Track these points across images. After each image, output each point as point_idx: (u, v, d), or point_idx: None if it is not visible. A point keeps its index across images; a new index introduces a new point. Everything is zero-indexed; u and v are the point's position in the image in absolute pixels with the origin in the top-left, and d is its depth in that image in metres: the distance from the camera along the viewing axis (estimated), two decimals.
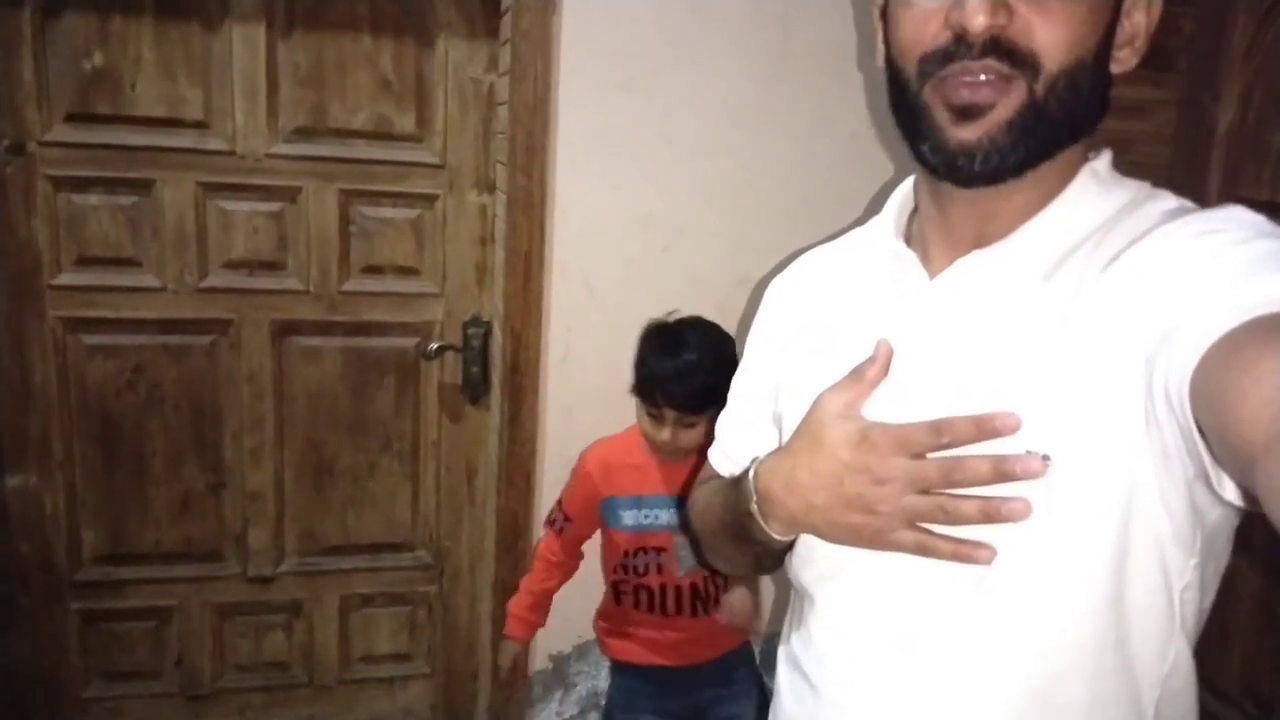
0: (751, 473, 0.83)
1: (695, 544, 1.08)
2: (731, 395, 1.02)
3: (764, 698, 1.91)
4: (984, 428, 0.66)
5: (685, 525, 1.38)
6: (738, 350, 1.82)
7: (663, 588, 1.81)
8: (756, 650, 2.00)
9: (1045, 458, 0.65)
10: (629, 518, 1.81)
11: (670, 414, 1.71)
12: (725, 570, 1.07)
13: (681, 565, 1.79)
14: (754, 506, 0.82)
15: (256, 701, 2.29)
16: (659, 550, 1.80)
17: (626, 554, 1.81)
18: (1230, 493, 0.63)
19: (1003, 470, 0.65)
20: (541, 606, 1.91)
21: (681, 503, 1.74)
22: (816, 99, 1.98)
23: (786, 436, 0.82)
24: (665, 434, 1.73)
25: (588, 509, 1.84)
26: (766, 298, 0.99)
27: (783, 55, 1.95)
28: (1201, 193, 1.83)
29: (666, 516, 1.78)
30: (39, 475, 2.04)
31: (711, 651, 1.84)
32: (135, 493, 2.11)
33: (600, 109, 1.89)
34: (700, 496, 1.02)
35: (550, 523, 1.89)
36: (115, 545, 2.13)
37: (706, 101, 1.93)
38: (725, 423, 1.03)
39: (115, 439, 2.08)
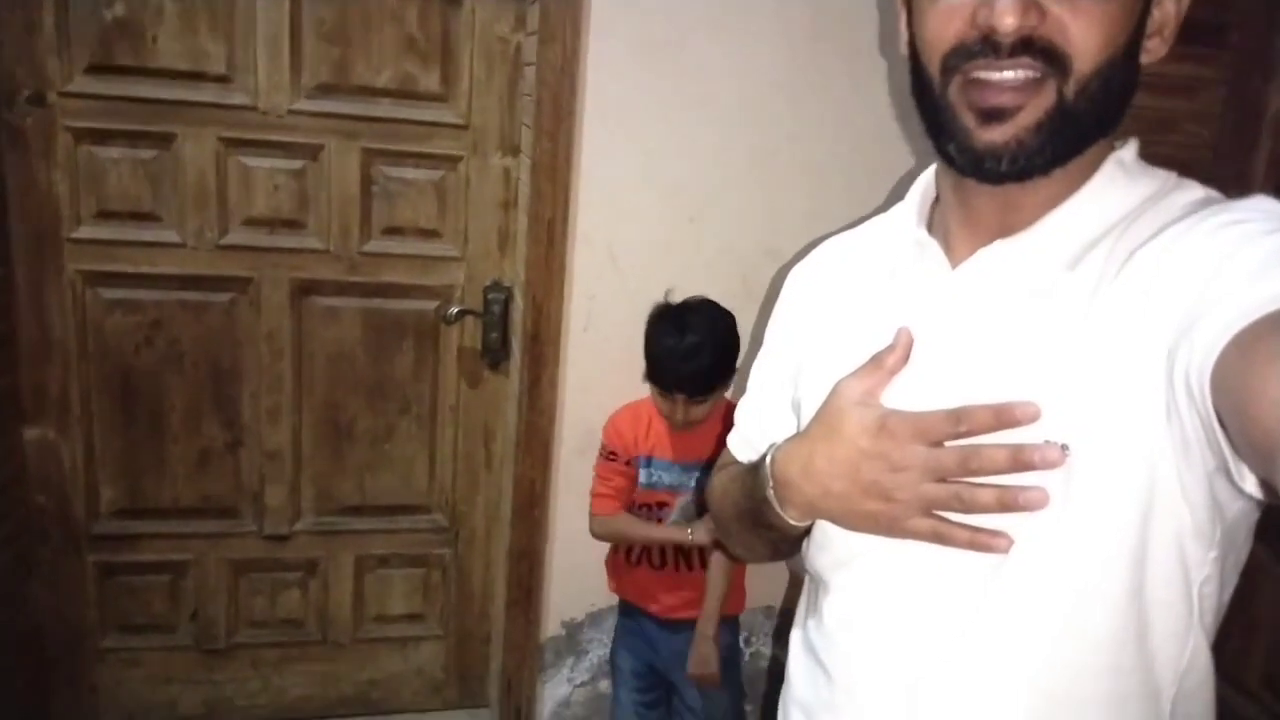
0: (769, 458, 0.83)
1: (716, 529, 1.08)
2: (751, 382, 1.01)
3: (737, 692, 2.02)
4: (1003, 417, 0.66)
5: (704, 509, 1.40)
6: (746, 327, 1.87)
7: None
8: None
9: (1064, 448, 0.65)
10: (641, 475, 1.91)
11: (679, 395, 1.80)
12: (744, 557, 1.06)
13: (672, 519, 1.91)
14: (771, 492, 0.81)
15: (270, 657, 2.31)
16: (661, 505, 1.91)
17: (633, 506, 1.93)
18: (1250, 485, 0.62)
19: (1021, 459, 0.65)
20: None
21: (689, 466, 1.88)
22: (851, 69, 1.93)
23: (805, 422, 0.82)
24: (677, 413, 1.82)
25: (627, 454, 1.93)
26: (787, 285, 0.98)
27: (818, 23, 1.90)
28: (1246, 177, 1.77)
29: (669, 478, 1.89)
30: (57, 429, 2.04)
31: (690, 612, 1.91)
32: (153, 448, 2.11)
33: (630, 73, 1.85)
34: (719, 482, 1.02)
35: (605, 457, 1.95)
36: (133, 499, 2.13)
37: (739, 69, 1.89)
38: (745, 409, 1.02)
39: (133, 394, 2.07)
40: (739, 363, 1.85)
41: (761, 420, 0.98)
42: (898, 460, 0.70)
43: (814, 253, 0.97)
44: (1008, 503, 0.67)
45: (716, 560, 1.88)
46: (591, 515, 1.97)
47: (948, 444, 0.69)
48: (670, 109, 1.88)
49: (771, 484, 0.81)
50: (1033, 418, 0.66)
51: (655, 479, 1.90)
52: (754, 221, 1.98)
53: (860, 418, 0.72)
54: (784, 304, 0.98)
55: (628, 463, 1.91)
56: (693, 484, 1.88)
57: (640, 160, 1.90)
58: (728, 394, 1.87)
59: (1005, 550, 0.70)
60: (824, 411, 0.77)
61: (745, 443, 1.00)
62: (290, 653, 2.32)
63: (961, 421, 0.67)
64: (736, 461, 1.00)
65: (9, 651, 1.98)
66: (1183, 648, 0.71)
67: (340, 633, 2.33)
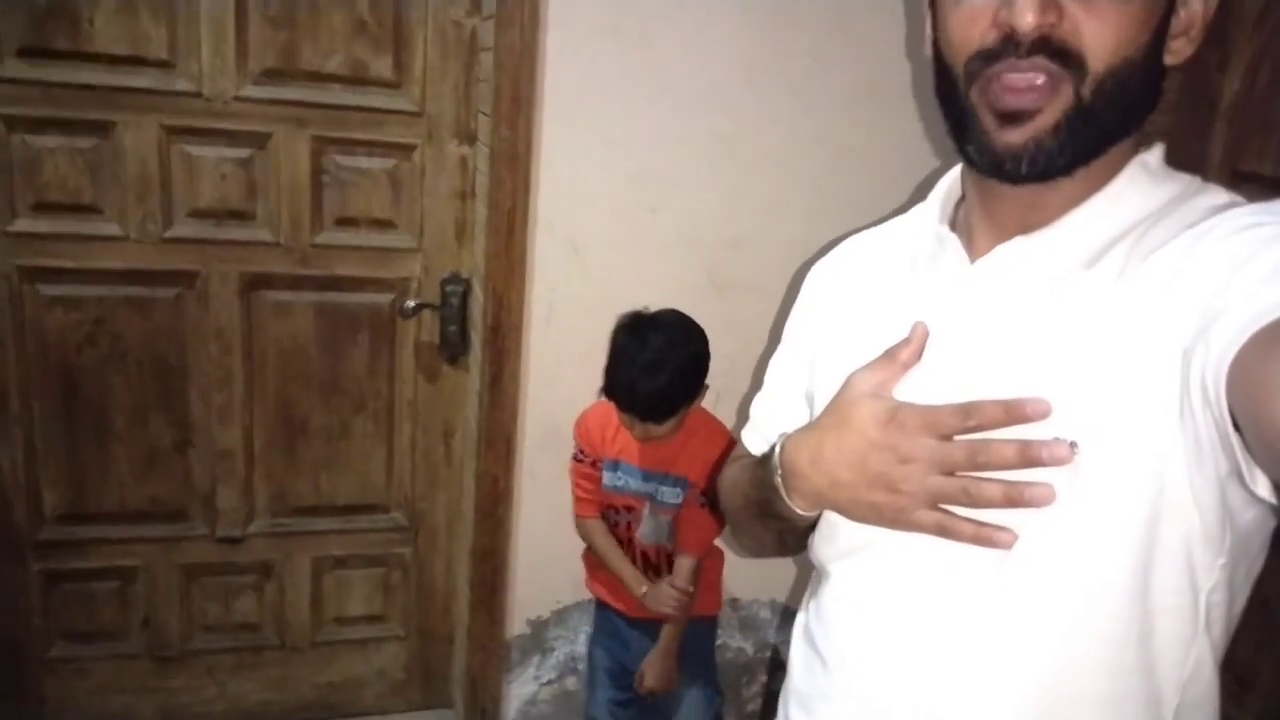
0: (779, 447, 0.83)
1: (725, 521, 1.12)
2: (767, 376, 1.02)
3: (714, 693, 1.98)
4: (1013, 412, 0.67)
5: (714, 503, 1.47)
6: (711, 318, 1.83)
7: (630, 542, 1.89)
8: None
9: (1073, 445, 0.65)
10: (607, 478, 1.88)
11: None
12: (751, 551, 1.07)
13: (642, 533, 1.87)
14: (779, 480, 0.82)
15: (226, 663, 2.24)
16: (629, 509, 1.88)
17: (602, 508, 1.92)
18: (1263, 489, 0.62)
19: (1029, 455, 0.65)
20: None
21: (653, 476, 1.83)
22: (814, 53, 1.91)
23: (817, 414, 0.83)
24: (636, 430, 1.80)
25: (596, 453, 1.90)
26: (807, 281, 0.99)
27: (780, 9, 1.87)
28: (1201, 164, 1.78)
29: (635, 484, 1.85)
30: None
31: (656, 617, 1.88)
32: (97, 450, 2.03)
33: (590, 58, 1.81)
34: (729, 474, 1.03)
35: (575, 457, 1.93)
36: (77, 504, 2.05)
37: (701, 53, 1.86)
38: (760, 402, 1.03)
39: (76, 394, 1.99)
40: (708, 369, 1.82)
41: (776, 414, 0.98)
42: (906, 452, 0.70)
43: (835, 250, 0.98)
44: (1015, 498, 0.67)
45: (680, 567, 1.84)
46: (575, 515, 1.95)
47: (957, 438, 0.69)
48: (632, 96, 1.85)
49: (780, 472, 0.82)
50: (1043, 414, 0.66)
51: (621, 483, 1.87)
52: (717, 210, 1.95)
53: (871, 409, 0.73)
54: (803, 299, 0.99)
55: (593, 464, 1.88)
56: (661, 494, 1.84)
57: (602, 149, 1.86)
58: (705, 402, 1.84)
59: (1010, 546, 0.70)
60: (835, 402, 0.77)
61: (759, 436, 1.01)
62: (246, 658, 2.25)
63: (971, 415, 0.68)
64: (749, 454, 1.01)
65: None
66: (1186, 656, 0.71)
67: (298, 636, 2.27)
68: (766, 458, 0.86)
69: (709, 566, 1.92)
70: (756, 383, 1.04)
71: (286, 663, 2.28)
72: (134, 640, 2.16)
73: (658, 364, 1.70)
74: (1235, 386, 0.58)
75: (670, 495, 1.84)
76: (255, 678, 2.26)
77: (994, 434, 0.68)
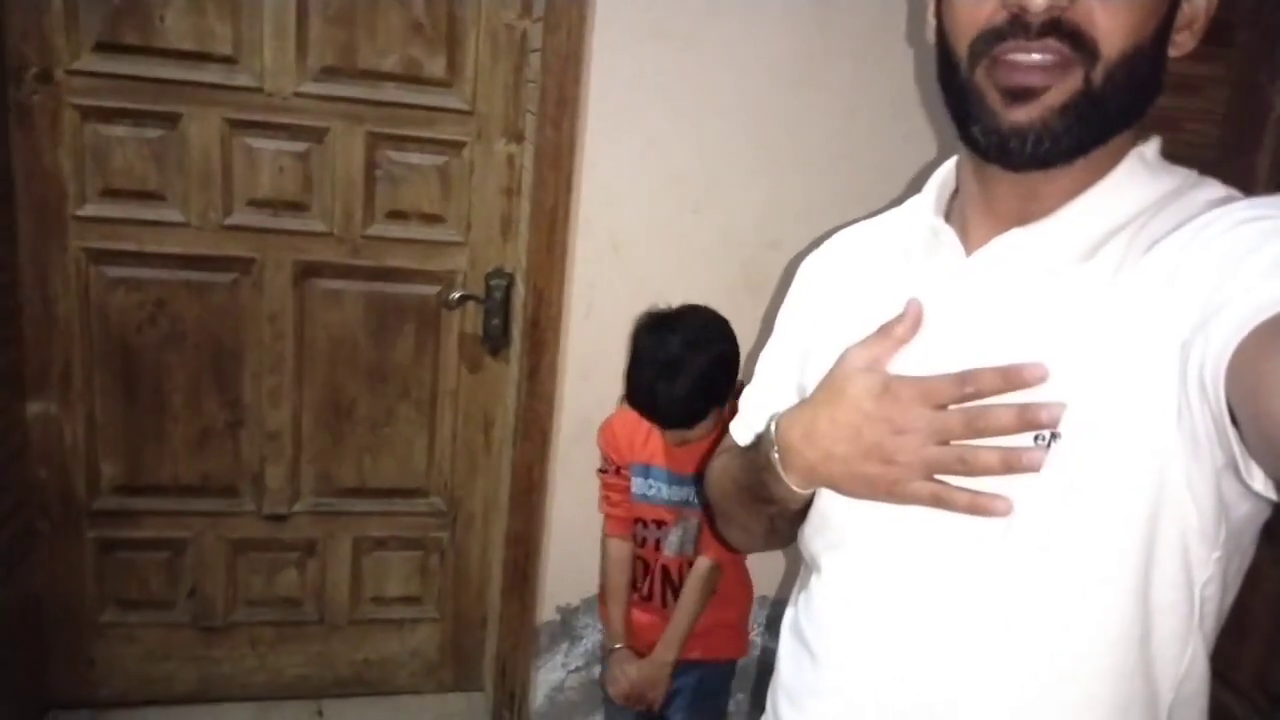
0: (772, 425, 0.83)
1: (711, 515, 1.08)
2: (759, 369, 1.01)
3: None
4: (1010, 377, 0.66)
5: (701, 495, 1.36)
6: (746, 318, 1.77)
7: (647, 567, 1.84)
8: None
9: (1064, 408, 0.66)
10: (637, 485, 1.82)
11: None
12: (739, 543, 1.06)
13: (668, 543, 1.80)
14: (774, 455, 0.81)
15: (267, 636, 2.32)
16: (658, 524, 1.81)
17: (631, 524, 1.85)
18: (1259, 483, 0.62)
19: (1027, 417, 0.65)
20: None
21: (686, 480, 1.75)
22: (858, 57, 1.93)
23: None
24: (669, 435, 1.74)
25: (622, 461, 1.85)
26: (799, 274, 0.98)
27: (823, 14, 1.90)
28: (1250, 177, 1.76)
29: (668, 492, 1.77)
30: (59, 404, 2.06)
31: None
32: (154, 426, 2.12)
33: (634, 61, 1.85)
34: (717, 464, 1.02)
35: (599, 470, 1.90)
36: (133, 476, 2.14)
37: (744, 57, 1.89)
38: (750, 396, 1.01)
39: (135, 372, 2.08)
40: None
41: (766, 407, 0.96)
42: (901, 423, 0.70)
43: (827, 242, 0.97)
44: (1012, 463, 0.67)
45: (693, 579, 1.75)
46: (603, 532, 1.92)
47: (951, 408, 0.69)
48: (674, 98, 1.88)
49: (775, 448, 0.81)
50: (1040, 378, 0.66)
51: (653, 491, 1.79)
52: (756, 212, 1.98)
53: (864, 381, 0.72)
54: (795, 292, 0.98)
55: (618, 471, 1.84)
56: (693, 498, 1.74)
57: (643, 149, 1.90)
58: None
59: (1005, 513, 0.69)
60: (829, 377, 0.77)
61: (749, 429, 0.99)
62: (287, 632, 2.33)
63: (968, 383, 0.68)
64: (739, 446, 1.00)
65: (9, 624, 1.99)
66: (1182, 652, 0.71)
67: (337, 613, 2.34)
68: (759, 439, 0.86)
69: (736, 606, 1.85)
70: None
71: (325, 638, 2.35)
72: (180, 609, 2.25)
73: (677, 368, 1.60)
74: (1234, 381, 0.57)
75: (703, 498, 1.76)
76: (295, 651, 2.34)
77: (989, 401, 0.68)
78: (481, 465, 2.32)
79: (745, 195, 1.96)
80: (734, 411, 1.03)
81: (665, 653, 1.77)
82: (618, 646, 1.81)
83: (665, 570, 1.82)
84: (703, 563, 1.76)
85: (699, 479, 1.70)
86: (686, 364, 1.61)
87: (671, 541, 1.79)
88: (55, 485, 2.10)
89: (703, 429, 1.70)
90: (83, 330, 2.03)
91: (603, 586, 1.93)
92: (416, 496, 2.32)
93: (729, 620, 1.85)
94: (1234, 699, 1.70)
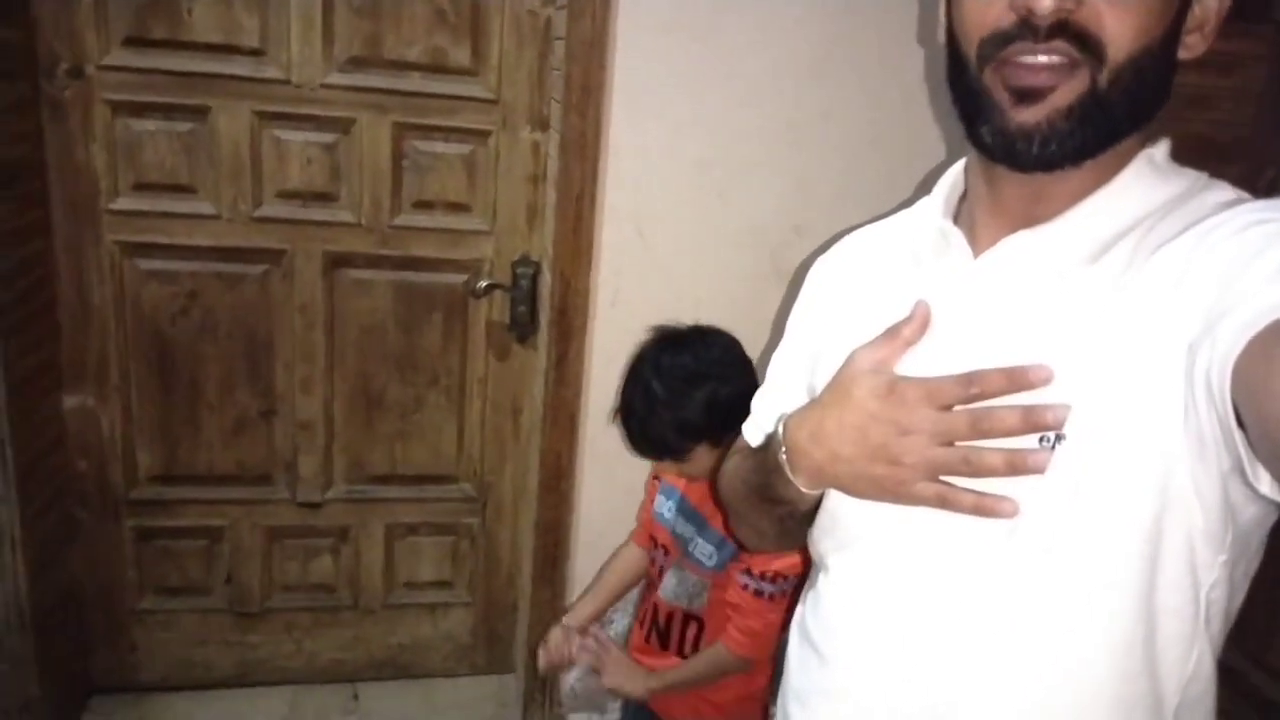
0: (781, 426, 0.83)
1: (725, 516, 1.09)
2: (770, 370, 1.02)
3: None
4: (1015, 379, 0.67)
5: (715, 496, 1.32)
6: (773, 305, 1.75)
7: (650, 591, 1.73)
8: None
9: (1069, 410, 0.66)
10: (657, 501, 1.72)
11: None
12: (752, 543, 1.07)
13: (663, 586, 1.65)
14: (783, 456, 0.82)
15: (303, 621, 2.36)
16: (665, 551, 1.68)
17: (649, 537, 1.76)
18: (1266, 485, 0.62)
19: (1032, 419, 0.65)
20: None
21: (695, 517, 1.61)
22: (882, 44, 1.91)
23: None
24: (663, 466, 1.61)
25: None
26: (810, 276, 0.99)
27: (850, 0, 1.88)
28: (1277, 175, 1.74)
29: (669, 517, 1.65)
30: (96, 396, 2.09)
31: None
32: (189, 416, 2.15)
33: (659, 48, 1.84)
34: (730, 464, 1.03)
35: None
36: (169, 466, 2.18)
37: (769, 44, 1.88)
38: (762, 398, 1.02)
39: (170, 363, 2.11)
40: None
41: (777, 408, 0.97)
42: (907, 424, 0.70)
43: (837, 245, 0.97)
44: (1016, 464, 0.67)
45: (709, 654, 1.57)
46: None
47: (957, 409, 0.69)
48: (699, 85, 1.88)
49: (783, 449, 0.82)
50: (1045, 380, 0.66)
51: (665, 512, 1.67)
52: (782, 199, 1.97)
53: (871, 383, 0.73)
54: (805, 295, 0.99)
55: (655, 478, 1.76)
56: (695, 546, 1.58)
57: (669, 136, 1.90)
58: None
59: (1011, 515, 0.69)
60: (836, 378, 0.77)
61: (759, 430, 1.00)
62: (322, 617, 2.37)
63: (974, 384, 0.68)
64: (749, 447, 1.00)
65: (52, 611, 2.04)
66: (1188, 655, 0.71)
67: (371, 598, 2.38)
68: (768, 439, 0.86)
69: (736, 681, 1.60)
70: None
71: (359, 623, 2.39)
72: (217, 596, 2.29)
73: (655, 395, 1.48)
74: (1240, 384, 0.58)
75: (704, 552, 1.56)
76: (329, 636, 2.38)
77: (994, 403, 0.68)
78: (510, 452, 2.34)
79: (771, 182, 1.96)
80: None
81: (651, 680, 1.62)
82: (579, 642, 1.69)
83: (655, 608, 1.67)
84: (721, 649, 1.55)
85: (711, 532, 1.57)
86: (674, 396, 1.48)
87: (668, 583, 1.64)
88: (93, 476, 2.14)
89: (696, 465, 1.53)
90: (118, 323, 2.06)
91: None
92: (447, 483, 2.34)
93: (754, 693, 1.64)
94: (1267, 681, 1.69)
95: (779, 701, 0.95)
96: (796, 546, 0.97)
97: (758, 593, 1.50)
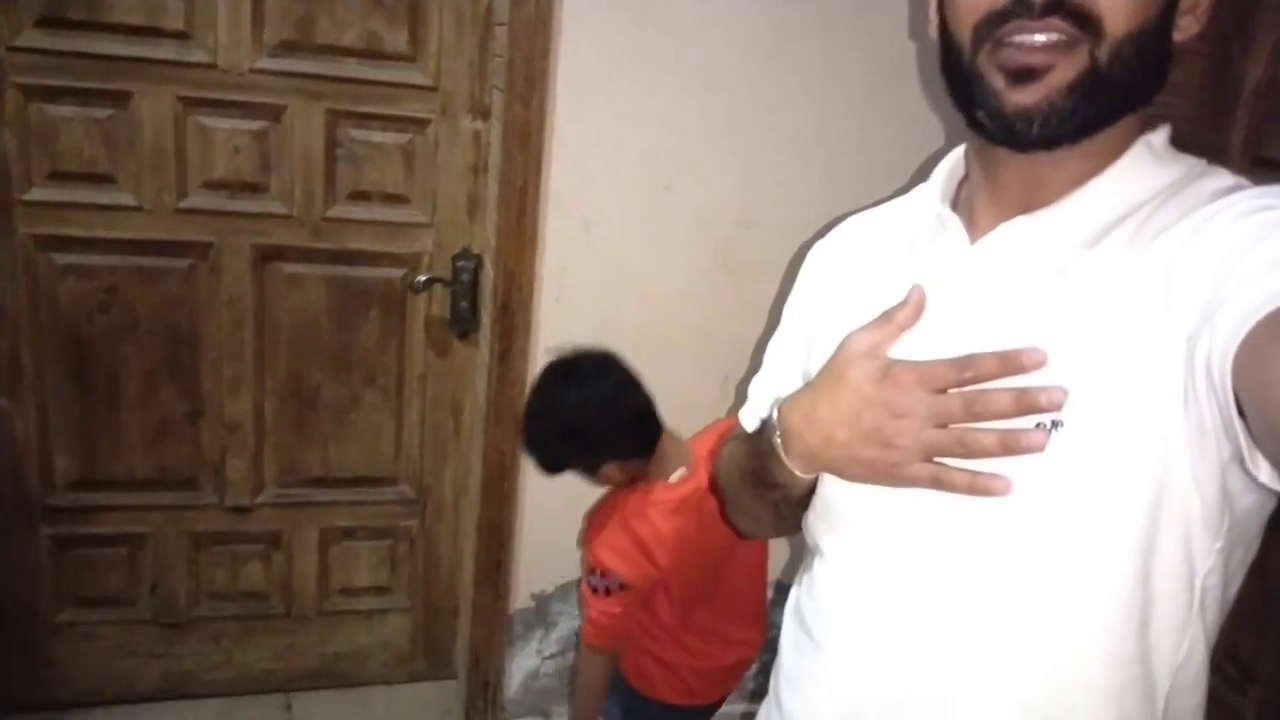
0: (775, 410, 0.83)
1: (721, 503, 1.10)
2: (767, 356, 1.02)
3: None
4: (1009, 362, 0.67)
5: (712, 483, 1.41)
6: (721, 297, 1.75)
7: None
8: None
9: (1064, 393, 0.66)
10: None
11: None
12: (748, 529, 1.08)
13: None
14: (777, 440, 0.82)
15: (232, 630, 2.27)
16: None
17: None
18: (1265, 474, 0.62)
19: (1026, 401, 0.65)
20: None
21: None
22: (830, 34, 1.90)
23: None
24: None
25: None
26: (807, 262, 0.99)
27: None
28: (1223, 150, 1.77)
29: None
30: (9, 397, 1.98)
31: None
32: (109, 418, 2.05)
33: (605, 35, 1.81)
34: (726, 450, 1.04)
35: None
36: (88, 471, 2.07)
37: (716, 32, 1.85)
38: (758, 383, 1.02)
39: (88, 362, 2.01)
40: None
41: (773, 394, 0.97)
42: (900, 407, 0.70)
43: (834, 230, 0.97)
44: (1010, 445, 0.67)
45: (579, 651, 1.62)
46: None
47: (951, 391, 0.69)
48: (646, 73, 1.84)
49: (777, 433, 0.82)
50: (1039, 363, 0.66)
51: None
52: (729, 191, 1.95)
53: (864, 366, 0.73)
54: (802, 280, 0.98)
55: None
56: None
57: (615, 126, 1.86)
58: (713, 383, 1.79)
59: (1004, 493, 0.69)
60: (830, 363, 0.77)
61: (755, 415, 1.00)
62: (253, 626, 2.28)
63: (968, 367, 0.68)
64: (745, 432, 1.01)
65: None
66: (1181, 640, 0.71)
67: (305, 605, 2.29)
68: (763, 424, 0.87)
69: (673, 649, 1.67)
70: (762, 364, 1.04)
71: (293, 631, 2.30)
72: (142, 606, 2.19)
73: (561, 432, 1.57)
74: (1241, 372, 0.57)
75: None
76: (261, 645, 2.29)
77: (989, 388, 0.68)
78: (451, 451, 2.28)
79: (719, 173, 1.94)
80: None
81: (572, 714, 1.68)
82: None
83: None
84: (582, 645, 1.65)
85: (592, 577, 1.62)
86: (571, 438, 1.57)
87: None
88: (7, 481, 2.02)
89: (607, 478, 1.64)
90: (32, 320, 1.95)
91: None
92: (384, 485, 2.27)
93: (666, 660, 1.67)
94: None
95: (771, 683, 0.95)
96: (792, 532, 0.97)
97: (593, 588, 1.60)
